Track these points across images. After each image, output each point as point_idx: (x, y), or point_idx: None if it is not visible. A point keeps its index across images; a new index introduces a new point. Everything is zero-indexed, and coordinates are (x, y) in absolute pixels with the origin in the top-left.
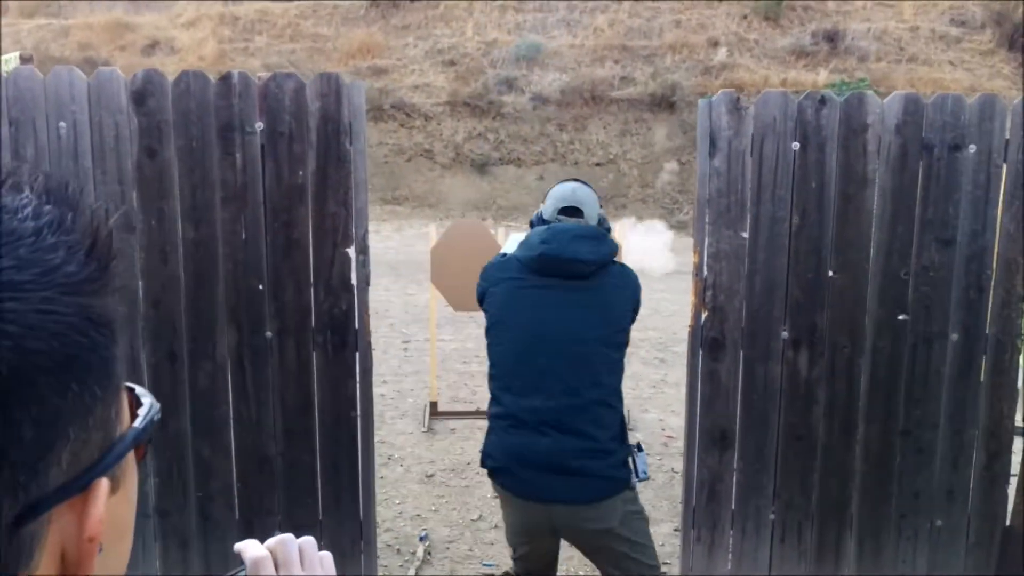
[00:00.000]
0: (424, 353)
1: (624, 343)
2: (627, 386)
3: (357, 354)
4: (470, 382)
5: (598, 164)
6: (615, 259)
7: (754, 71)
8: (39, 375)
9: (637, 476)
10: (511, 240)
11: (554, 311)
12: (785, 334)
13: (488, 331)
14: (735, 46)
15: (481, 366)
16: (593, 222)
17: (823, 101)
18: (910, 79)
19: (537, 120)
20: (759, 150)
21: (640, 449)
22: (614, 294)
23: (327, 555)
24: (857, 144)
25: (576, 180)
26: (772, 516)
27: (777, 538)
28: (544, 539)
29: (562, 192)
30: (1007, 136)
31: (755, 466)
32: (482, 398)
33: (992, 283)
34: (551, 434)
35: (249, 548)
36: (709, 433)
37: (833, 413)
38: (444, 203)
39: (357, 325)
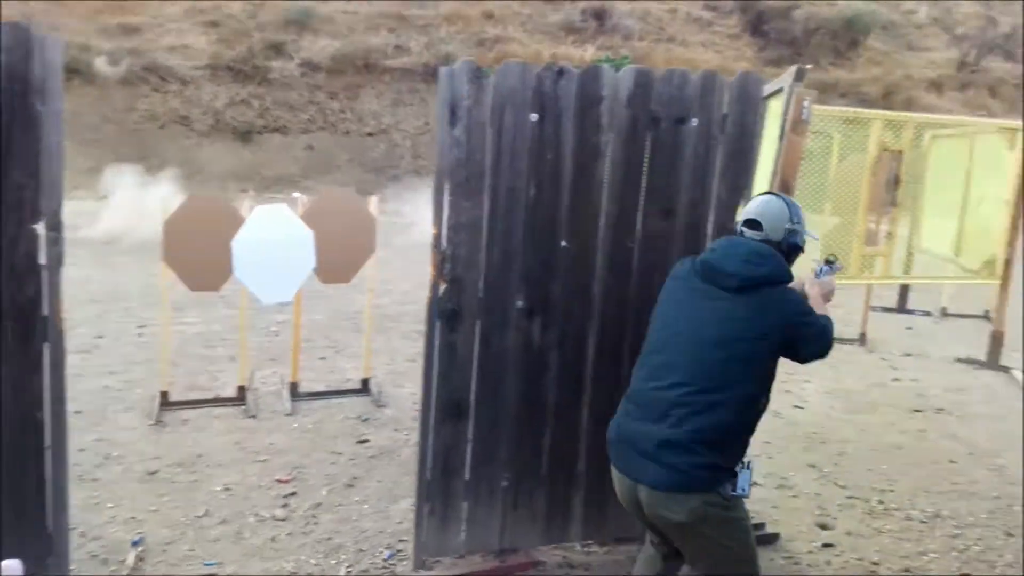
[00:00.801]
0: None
1: (746, 363)
2: (382, 360)
3: (46, 345)
4: (211, 367)
5: (370, 134)
6: (784, 281)
7: (527, 45)
8: None
9: (734, 489)
10: (256, 214)
11: (696, 313)
12: (520, 303)
13: (652, 317)
14: (509, 20)
15: (227, 349)
16: (776, 236)
17: (561, 73)
18: (668, 58)
19: (306, 87)
20: (499, 120)
21: (748, 467)
22: (759, 314)
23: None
24: (592, 115)
25: (772, 193)
26: (505, 483)
27: (509, 505)
28: (640, 514)
29: (752, 204)
30: (725, 110)
31: (489, 435)
32: (224, 384)
33: None
34: (650, 418)
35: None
36: (445, 405)
37: (563, 378)
38: (201, 173)
39: (46, 311)
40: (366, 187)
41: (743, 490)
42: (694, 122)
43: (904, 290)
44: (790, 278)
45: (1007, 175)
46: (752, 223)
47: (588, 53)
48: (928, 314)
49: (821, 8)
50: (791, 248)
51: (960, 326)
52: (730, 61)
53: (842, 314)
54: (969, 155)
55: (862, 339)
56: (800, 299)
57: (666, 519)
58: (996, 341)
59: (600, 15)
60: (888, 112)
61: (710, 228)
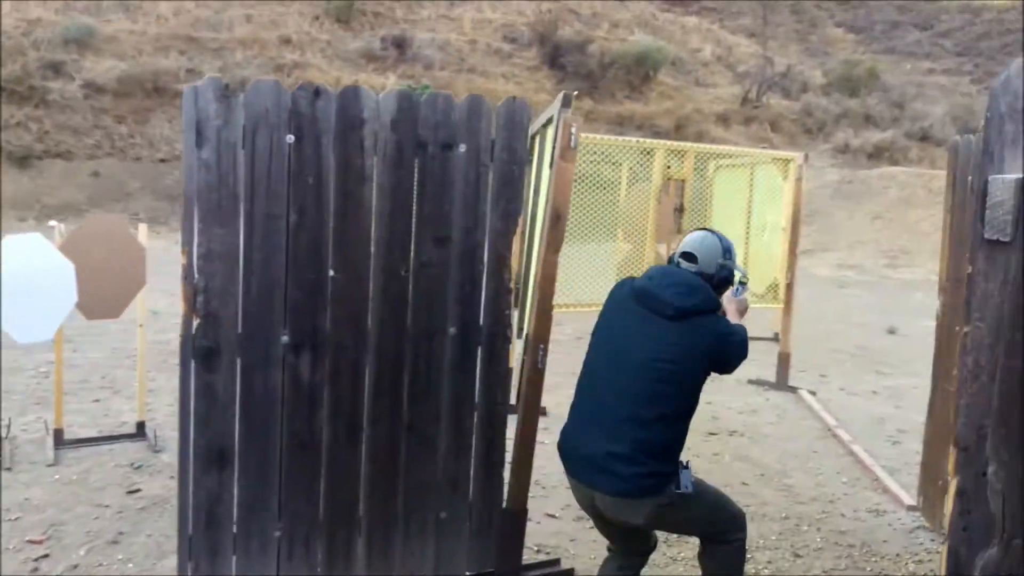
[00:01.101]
0: None
1: (677, 383)
2: (165, 401)
3: None
4: None
5: (163, 160)
6: (712, 311)
7: (326, 72)
8: None
9: (678, 487)
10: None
11: (633, 336)
12: (285, 338)
13: (592, 333)
14: (308, 45)
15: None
16: (709, 269)
17: (318, 93)
18: (469, 88)
19: (91, 111)
20: (252, 142)
21: (686, 467)
22: (690, 339)
23: None
24: (355, 139)
25: (707, 230)
26: (278, 533)
27: (284, 556)
28: (598, 517)
29: (689, 238)
30: (493, 136)
31: (258, 483)
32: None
33: (484, 278)
34: (598, 432)
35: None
36: (206, 452)
37: (338, 416)
38: None
39: None
40: (158, 215)
41: (686, 487)
42: (462, 148)
43: None
44: (717, 306)
45: (783, 203)
46: (688, 256)
47: (390, 81)
48: None
49: (614, 44)
50: (720, 281)
51: (752, 348)
52: (530, 93)
53: None
54: (750, 184)
55: None
56: (725, 320)
57: (627, 522)
58: (783, 362)
59: (401, 44)
60: (670, 142)
61: (486, 255)
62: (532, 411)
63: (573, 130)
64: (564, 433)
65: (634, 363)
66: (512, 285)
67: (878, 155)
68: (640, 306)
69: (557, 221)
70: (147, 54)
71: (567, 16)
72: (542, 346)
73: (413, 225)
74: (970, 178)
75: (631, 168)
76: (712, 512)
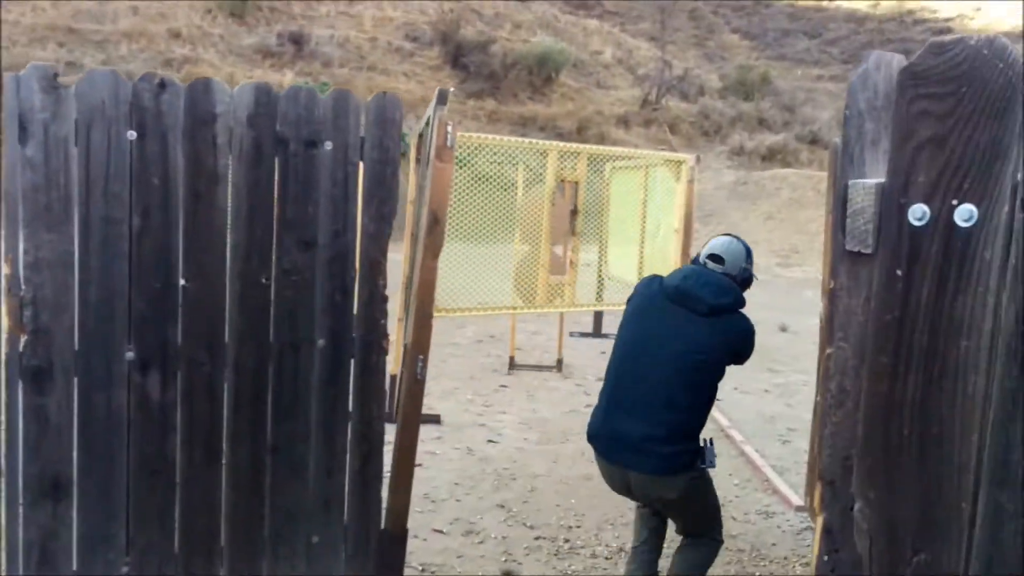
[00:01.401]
0: None
1: (708, 372)
2: None
3: None
4: None
5: None
6: (738, 310)
7: (219, 68)
8: None
9: (703, 463)
10: None
11: (669, 330)
12: (131, 354)
13: (620, 325)
14: (199, 40)
15: None
16: (733, 271)
17: (163, 85)
18: (370, 86)
19: None
20: (86, 138)
21: (710, 443)
22: (717, 334)
23: None
24: (206, 135)
25: (731, 236)
26: (126, 568)
27: None
28: (630, 494)
29: (716, 242)
30: (362, 134)
31: (101, 515)
32: None
33: (356, 285)
34: (636, 417)
35: None
36: (38, 482)
37: (194, 439)
38: None
39: None
40: None
41: (711, 463)
42: (328, 145)
43: (599, 316)
44: (743, 304)
45: (676, 205)
46: (716, 258)
47: (287, 78)
48: None
49: (516, 44)
50: (742, 282)
51: None
52: (432, 92)
53: (542, 340)
54: (644, 186)
55: (558, 365)
56: (748, 318)
57: (662, 497)
58: None
59: (298, 40)
60: (563, 143)
61: (358, 260)
62: (411, 425)
63: (449, 128)
64: (596, 419)
65: (670, 355)
66: (388, 291)
67: (771, 157)
68: (675, 304)
69: (435, 225)
70: (21, 45)
71: (469, 16)
72: (421, 357)
73: (274, 229)
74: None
75: (527, 169)
76: (714, 504)
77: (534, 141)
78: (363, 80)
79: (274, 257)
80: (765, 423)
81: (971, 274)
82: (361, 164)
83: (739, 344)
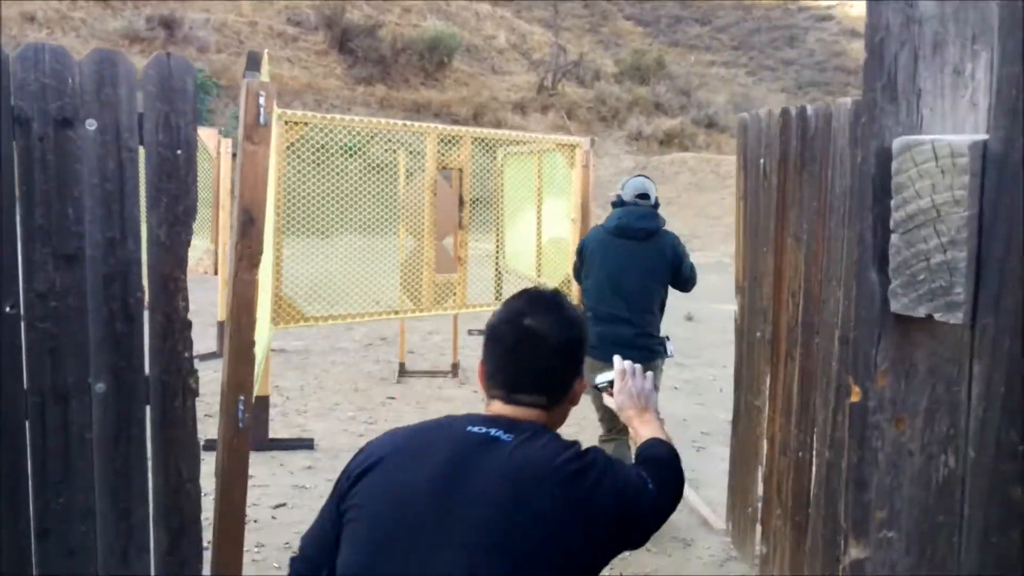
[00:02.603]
0: None
1: (663, 280)
2: None
3: None
4: None
5: None
6: (662, 228)
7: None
8: None
9: (665, 352)
10: None
11: (628, 258)
12: None
13: (586, 270)
14: (56, 23)
15: None
16: (652, 202)
17: None
18: None
19: None
20: None
21: (668, 339)
22: (657, 251)
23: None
24: None
25: (641, 175)
26: None
27: None
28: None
29: (636, 183)
30: (141, 109)
31: None
32: None
33: (147, 308)
34: (622, 324)
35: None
36: None
37: None
38: None
39: None
40: None
41: (672, 353)
42: (91, 125)
43: None
44: (664, 223)
45: (572, 192)
46: (644, 196)
47: None
48: None
49: (405, 29)
50: (656, 207)
51: None
52: (319, 79)
53: (438, 341)
54: (538, 173)
55: (454, 370)
56: (671, 232)
57: None
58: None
59: (169, 24)
60: (443, 126)
61: (145, 277)
62: (235, 489)
63: (262, 100)
64: (594, 336)
65: (633, 275)
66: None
67: (668, 142)
68: (621, 237)
69: (250, 226)
70: None
71: None
72: (242, 398)
73: (19, 239)
74: (762, 161)
75: (410, 156)
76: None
77: (411, 123)
78: (243, 67)
79: (21, 277)
80: (678, 427)
81: None
82: (142, 150)
83: (673, 251)
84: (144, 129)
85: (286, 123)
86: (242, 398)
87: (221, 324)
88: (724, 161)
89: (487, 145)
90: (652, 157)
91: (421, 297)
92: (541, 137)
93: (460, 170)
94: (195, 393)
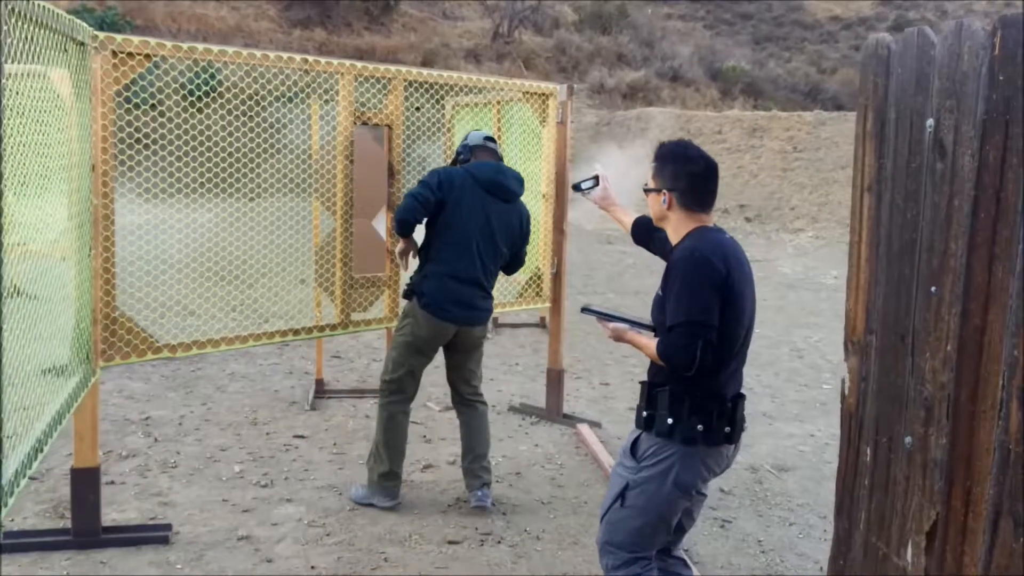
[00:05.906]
0: None
1: (511, 245)
2: None
3: None
4: None
5: None
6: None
7: None
8: None
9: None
10: None
11: (492, 216)
12: None
13: (445, 218)
14: None
15: None
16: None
17: None
18: (170, 12)
19: None
20: None
21: None
22: (518, 215)
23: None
24: None
25: (478, 132)
26: None
27: None
28: (436, 351)
29: (478, 134)
30: None
31: None
32: None
33: None
34: (472, 284)
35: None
36: None
37: None
38: None
39: None
40: None
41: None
42: None
43: None
44: None
45: (544, 155)
46: (491, 139)
47: (62, 3)
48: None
49: None
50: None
51: (513, 341)
52: (250, 21)
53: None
54: (497, 130)
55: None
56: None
57: (477, 338)
58: (554, 383)
59: None
60: (362, 64)
61: None
62: None
63: None
64: (441, 294)
65: (497, 237)
66: None
67: (632, 95)
68: (492, 195)
69: None
70: None
71: None
72: None
73: None
74: (929, 122)
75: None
76: None
77: (316, 60)
78: (161, 8)
79: None
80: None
81: None
82: None
83: (527, 224)
84: None
85: (114, 54)
86: None
87: None
88: (695, 117)
89: (431, 93)
90: (616, 112)
91: (335, 303)
92: (503, 82)
93: (389, 127)
94: None
